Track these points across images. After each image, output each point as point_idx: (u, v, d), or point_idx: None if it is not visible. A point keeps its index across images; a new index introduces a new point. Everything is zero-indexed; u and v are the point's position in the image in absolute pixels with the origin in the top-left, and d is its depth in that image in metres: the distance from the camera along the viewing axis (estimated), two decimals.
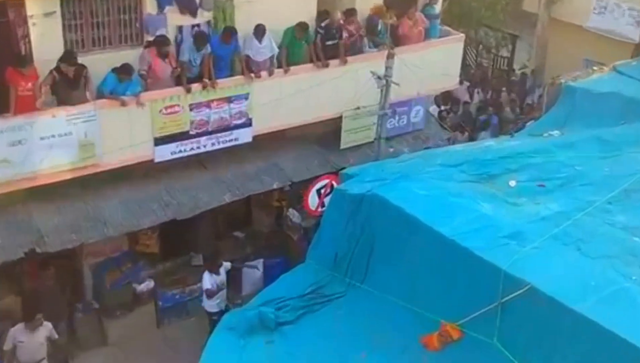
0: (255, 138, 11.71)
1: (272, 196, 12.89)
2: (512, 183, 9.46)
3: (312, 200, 11.60)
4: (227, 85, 11.11)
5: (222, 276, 10.84)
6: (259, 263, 12.20)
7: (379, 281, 9.18)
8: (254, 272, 12.13)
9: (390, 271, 9.08)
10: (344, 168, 12.21)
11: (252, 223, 13.25)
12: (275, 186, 11.94)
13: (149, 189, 11.14)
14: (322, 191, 11.58)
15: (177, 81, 10.87)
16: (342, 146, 12.83)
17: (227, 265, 10.97)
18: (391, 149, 13.32)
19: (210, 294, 10.64)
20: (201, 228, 12.48)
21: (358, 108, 12.41)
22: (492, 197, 9.15)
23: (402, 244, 8.93)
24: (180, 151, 11.03)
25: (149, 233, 11.56)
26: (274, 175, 12.02)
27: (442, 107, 16.73)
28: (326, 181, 11.61)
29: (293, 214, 12.36)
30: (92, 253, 11.24)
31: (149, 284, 11.60)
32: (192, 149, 11.13)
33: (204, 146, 11.24)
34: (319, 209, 11.52)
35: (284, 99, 11.71)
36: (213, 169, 11.80)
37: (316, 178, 11.74)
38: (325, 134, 13.11)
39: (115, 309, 11.36)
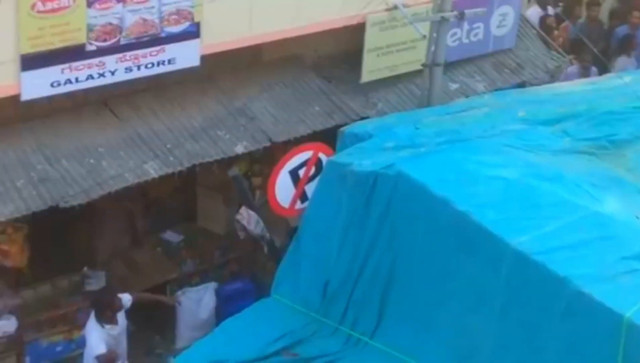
0: (206, 60, 11.81)
1: (235, 170, 12.97)
2: None
3: (283, 190, 11.60)
4: None
5: (122, 325, 11.04)
6: (206, 289, 12.33)
7: (403, 334, 9.39)
8: (196, 306, 12.27)
9: (427, 317, 9.29)
10: (364, 118, 12.44)
11: (196, 218, 13.39)
12: (240, 151, 12.04)
13: (9, 151, 11.22)
14: (302, 172, 11.62)
15: None
16: (365, 79, 12.98)
17: (125, 298, 11.15)
18: (454, 86, 13.43)
19: (105, 361, 10.80)
20: (104, 224, 12.61)
21: (394, 7, 12.49)
22: (615, 182, 9.38)
23: (450, 267, 9.13)
24: (69, 83, 11.09)
25: (8, 232, 11.52)
26: (239, 130, 12.13)
27: (550, 11, 16.85)
28: (308, 153, 11.63)
29: (246, 217, 12.47)
30: None
31: (7, 324, 11.62)
32: (90, 78, 11.20)
33: (112, 74, 11.31)
34: (296, 206, 11.60)
35: None
36: (128, 117, 11.89)
37: (292, 148, 11.77)
38: (332, 57, 13.18)
39: None
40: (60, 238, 12.12)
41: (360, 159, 9.94)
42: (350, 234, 9.88)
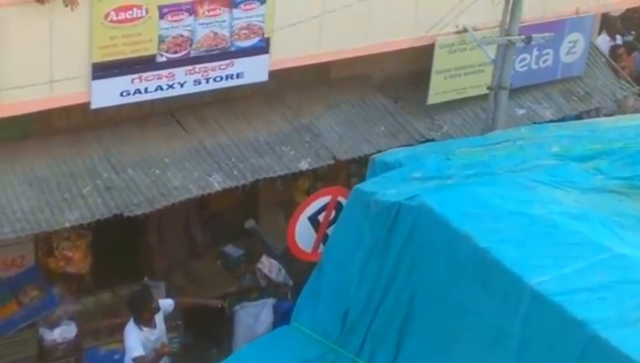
0: (274, 75, 11.87)
1: (299, 186, 13.02)
2: None
3: (304, 235, 11.61)
4: None
5: (160, 329, 11.02)
6: (264, 305, 12.34)
7: None
8: (254, 321, 12.27)
9: (444, 353, 9.16)
10: (431, 141, 12.42)
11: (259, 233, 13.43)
12: (304, 167, 12.07)
13: (77, 158, 11.34)
14: (322, 217, 11.60)
15: None
16: (431, 101, 12.98)
17: (166, 303, 11.15)
18: (520, 112, 13.39)
19: None
20: (165, 234, 12.68)
21: (464, 30, 12.50)
22: None
23: (469, 303, 8.98)
24: (138, 93, 11.19)
25: (73, 238, 11.69)
26: (303, 147, 12.18)
27: (620, 39, 16.70)
28: (327, 197, 11.61)
29: (267, 266, 12.16)
30: None
31: (68, 330, 11.72)
32: (159, 89, 11.30)
33: (181, 86, 11.41)
34: (319, 250, 11.52)
35: (329, 7, 11.76)
36: (194, 129, 11.98)
37: (311, 195, 11.82)
38: (399, 77, 13.20)
39: None
40: (122, 247, 12.19)
41: (386, 189, 9.88)
42: (371, 264, 9.79)
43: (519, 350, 8.42)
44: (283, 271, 12.03)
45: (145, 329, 10.82)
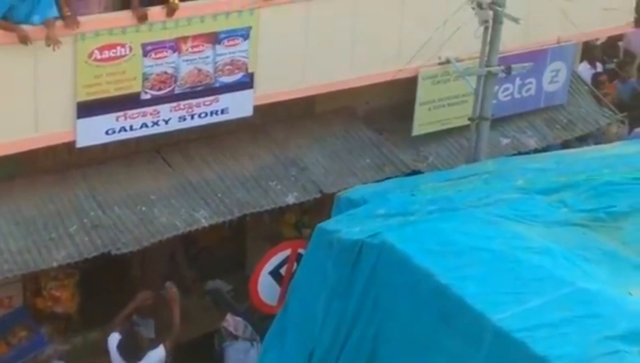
0: (258, 110, 11.90)
1: (286, 220, 13.02)
2: None
3: (267, 290, 11.65)
4: (212, 9, 11.29)
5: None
6: (255, 340, 12.29)
7: None
8: (244, 356, 12.23)
9: None
10: (416, 172, 12.44)
11: (245, 268, 13.37)
12: (290, 201, 12.09)
13: (63, 197, 11.35)
14: (283, 270, 11.59)
15: None
16: (416, 132, 13.02)
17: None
18: (505, 141, 13.43)
19: None
20: (152, 271, 12.67)
21: (447, 61, 12.56)
22: (609, 256, 9.08)
23: (432, 341, 8.82)
24: (123, 131, 11.22)
25: (60, 278, 11.70)
26: (290, 181, 12.21)
27: (602, 67, 16.84)
28: (286, 251, 11.68)
29: (232, 324, 12.00)
30: None
31: None
32: (144, 127, 11.33)
33: (166, 123, 11.44)
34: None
35: (313, 41, 11.89)
36: (180, 165, 12.01)
37: (269, 249, 11.86)
38: (383, 109, 13.26)
39: None
40: (110, 285, 12.18)
41: (349, 227, 9.71)
42: (335, 303, 9.62)
43: None
44: (249, 327, 11.96)
45: None
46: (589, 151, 12.00)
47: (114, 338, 11.08)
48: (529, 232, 9.28)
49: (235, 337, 11.83)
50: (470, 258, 8.93)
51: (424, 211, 9.79)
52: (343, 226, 9.78)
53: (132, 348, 10.83)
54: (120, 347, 10.85)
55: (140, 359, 10.87)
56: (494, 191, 10.08)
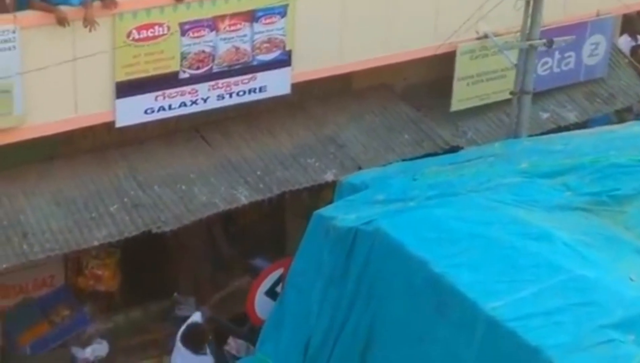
0: (296, 87, 11.94)
1: (325, 197, 12.99)
2: None
3: (265, 308, 11.43)
4: None
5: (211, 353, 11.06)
6: None
7: None
8: None
9: None
10: (456, 148, 12.42)
11: (285, 245, 13.41)
12: (329, 179, 12.08)
13: (103, 177, 11.42)
14: (279, 289, 11.40)
15: None
16: (454, 108, 13.02)
17: (196, 317, 11.13)
18: (544, 115, 13.39)
19: None
20: (194, 250, 12.74)
21: (485, 36, 12.54)
22: (611, 240, 9.00)
23: (426, 329, 8.79)
24: (162, 110, 11.28)
25: (101, 257, 11.81)
26: (328, 158, 12.24)
27: None
28: (279, 271, 11.52)
29: (234, 347, 11.96)
30: (0, 290, 11.51)
31: (100, 348, 11.76)
32: (183, 106, 11.38)
33: (204, 101, 11.48)
34: None
35: (350, 18, 11.89)
36: (219, 144, 12.07)
37: (264, 269, 11.75)
38: (422, 85, 13.24)
39: None
40: (151, 264, 12.26)
41: (346, 213, 9.68)
42: (331, 291, 9.61)
43: None
44: (252, 348, 11.82)
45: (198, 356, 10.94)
46: (599, 131, 11.82)
47: (197, 317, 11.19)
48: (529, 217, 9.18)
49: (238, 359, 11.83)
50: (466, 245, 8.85)
51: (424, 196, 9.72)
52: (340, 213, 9.75)
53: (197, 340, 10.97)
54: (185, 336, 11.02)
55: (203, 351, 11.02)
56: (496, 175, 10.01)
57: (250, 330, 11.82)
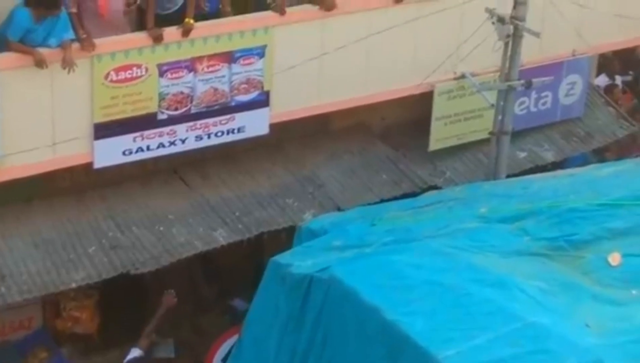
0: (275, 128, 11.97)
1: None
2: (615, 259, 9.17)
3: None
4: (227, 28, 11.37)
5: None
6: None
7: None
8: None
9: None
10: (434, 187, 12.46)
11: None
12: (308, 218, 11.98)
13: (81, 218, 11.44)
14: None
15: (139, 21, 11.14)
16: (432, 147, 13.06)
17: (136, 353, 10.77)
18: (522, 155, 13.47)
19: None
20: (173, 290, 12.69)
21: (462, 76, 12.56)
22: (568, 286, 8.93)
23: None
24: (140, 151, 11.31)
25: (80, 298, 11.74)
26: (307, 198, 12.27)
27: (618, 80, 16.79)
28: (235, 337, 11.28)
29: None
30: None
31: None
32: (161, 147, 11.40)
33: (183, 142, 11.51)
34: None
35: (328, 58, 11.92)
36: (197, 185, 12.10)
37: (219, 336, 11.81)
38: (399, 125, 13.29)
39: None
40: (130, 305, 12.20)
41: (302, 260, 9.59)
42: (287, 338, 9.50)
43: None
44: None
45: None
46: (560, 175, 11.68)
47: (134, 353, 11.10)
48: (485, 263, 9.08)
49: None
50: (420, 292, 8.72)
51: (380, 242, 9.63)
52: (296, 260, 9.67)
53: None
54: None
55: None
56: (454, 220, 9.93)
57: None
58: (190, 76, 11.27)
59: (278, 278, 9.66)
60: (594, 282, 8.98)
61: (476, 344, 8.11)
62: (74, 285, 10.89)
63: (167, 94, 11.20)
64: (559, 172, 12.12)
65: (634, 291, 8.83)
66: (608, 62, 16.61)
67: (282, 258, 9.86)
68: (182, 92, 11.27)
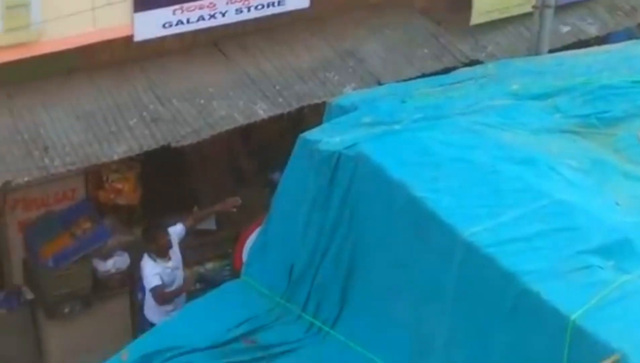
0: (315, 1, 11.91)
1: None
2: None
3: None
4: None
5: (176, 259, 11.19)
6: None
7: (363, 325, 8.98)
8: None
9: (385, 308, 8.85)
10: (475, 62, 12.38)
11: None
12: (349, 91, 12.04)
13: (122, 91, 11.47)
14: None
15: None
16: (474, 21, 12.95)
17: (177, 229, 11.30)
18: (565, 29, 13.31)
19: (161, 296, 10.92)
20: (214, 164, 12.86)
21: None
22: (598, 164, 8.84)
23: (407, 255, 8.68)
24: (180, 24, 11.28)
25: (122, 170, 11.87)
26: (347, 72, 12.22)
27: None
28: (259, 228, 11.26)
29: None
30: (22, 203, 11.63)
31: (121, 260, 11.96)
32: (201, 20, 11.38)
33: (223, 15, 11.47)
34: None
35: None
36: (237, 58, 12.08)
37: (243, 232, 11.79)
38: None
39: (61, 303, 11.74)
40: (171, 177, 12.36)
41: (330, 137, 9.47)
42: (315, 215, 9.42)
43: (454, 304, 8.13)
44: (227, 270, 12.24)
45: (159, 260, 11.02)
46: (594, 52, 11.51)
47: (179, 227, 11.31)
48: (515, 141, 9.00)
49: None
50: (448, 169, 8.67)
51: (410, 119, 9.53)
52: (325, 136, 9.56)
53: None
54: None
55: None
56: (485, 97, 9.80)
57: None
58: None
59: (306, 155, 9.60)
60: (626, 160, 8.90)
61: (503, 221, 8.09)
62: (115, 157, 10.98)
63: None
64: (593, 49, 11.96)
65: None
66: None
67: (311, 134, 9.77)
68: None
